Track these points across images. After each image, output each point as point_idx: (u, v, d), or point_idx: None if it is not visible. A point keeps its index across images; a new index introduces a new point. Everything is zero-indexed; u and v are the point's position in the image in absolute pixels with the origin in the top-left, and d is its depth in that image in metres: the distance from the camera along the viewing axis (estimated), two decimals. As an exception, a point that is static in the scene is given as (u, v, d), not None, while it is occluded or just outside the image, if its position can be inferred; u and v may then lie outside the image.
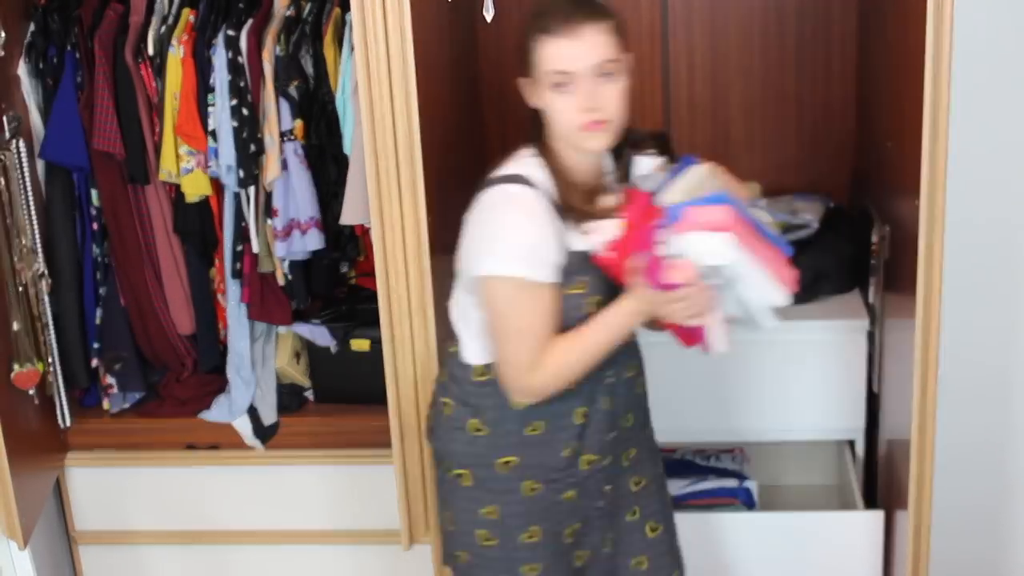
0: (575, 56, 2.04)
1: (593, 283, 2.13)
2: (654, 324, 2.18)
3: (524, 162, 2.14)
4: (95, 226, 2.89)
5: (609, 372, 2.22)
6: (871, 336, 2.79)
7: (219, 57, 2.70)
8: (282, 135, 2.74)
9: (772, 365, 2.81)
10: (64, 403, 2.93)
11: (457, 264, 2.20)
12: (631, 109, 3.21)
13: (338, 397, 2.99)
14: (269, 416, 2.96)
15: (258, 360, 2.97)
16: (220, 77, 2.71)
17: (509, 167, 2.14)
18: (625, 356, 2.25)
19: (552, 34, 2.06)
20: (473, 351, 2.22)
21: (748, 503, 2.89)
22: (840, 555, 2.69)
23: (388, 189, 2.40)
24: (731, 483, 2.91)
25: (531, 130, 2.17)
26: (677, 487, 2.85)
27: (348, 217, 2.69)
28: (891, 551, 2.66)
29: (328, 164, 2.79)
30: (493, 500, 2.23)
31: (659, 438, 2.93)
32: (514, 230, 2.08)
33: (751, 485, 2.90)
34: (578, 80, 2.06)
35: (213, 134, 2.74)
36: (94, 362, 2.96)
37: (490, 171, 2.16)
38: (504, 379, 2.14)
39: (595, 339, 2.12)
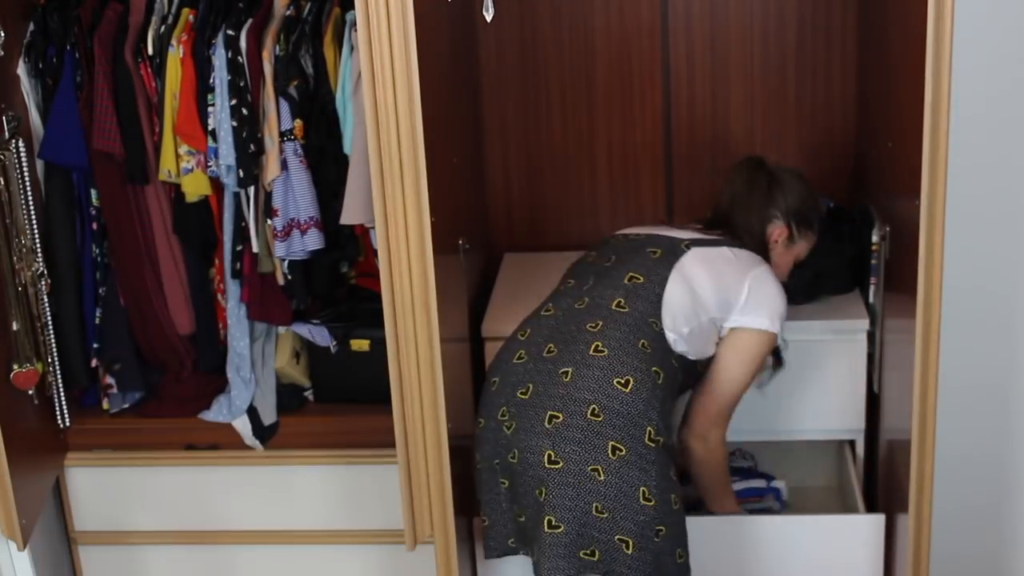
0: None
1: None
2: None
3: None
4: (94, 226, 2.88)
5: None
6: (871, 336, 2.79)
7: (219, 57, 2.70)
8: (282, 135, 2.73)
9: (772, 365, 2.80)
10: (63, 403, 2.92)
11: (688, 271, 2.48)
12: (632, 110, 3.23)
13: (338, 397, 2.99)
14: (269, 416, 2.96)
15: (258, 360, 2.96)
16: (220, 77, 2.71)
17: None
18: None
19: (816, 234, 2.73)
20: (675, 335, 2.48)
21: (780, 502, 2.92)
22: (841, 558, 2.69)
23: (392, 188, 2.40)
24: (759, 483, 2.94)
25: (744, 237, 2.62)
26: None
27: (348, 217, 2.69)
28: (892, 553, 2.66)
29: (328, 164, 2.78)
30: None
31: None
32: (783, 299, 2.53)
33: (780, 485, 2.94)
34: None
35: (213, 134, 2.74)
36: (93, 362, 2.96)
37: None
38: (701, 415, 2.53)
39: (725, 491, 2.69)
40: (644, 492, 2.31)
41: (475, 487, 2.55)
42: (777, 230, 2.64)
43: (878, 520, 2.67)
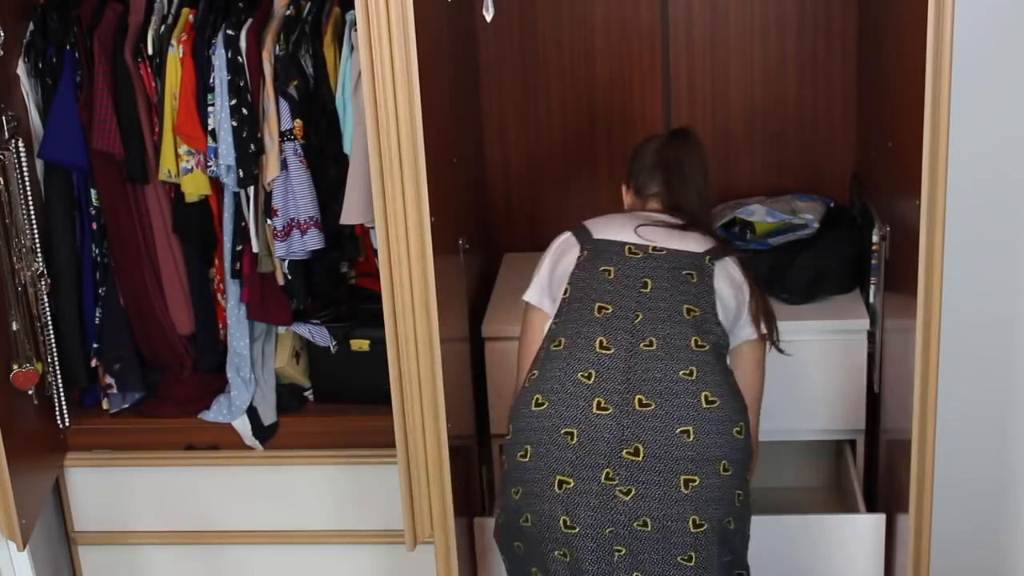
0: None
1: None
2: None
3: None
4: (94, 226, 2.88)
5: None
6: (871, 336, 2.79)
7: (219, 57, 2.70)
8: (282, 135, 2.73)
9: (772, 365, 2.80)
10: (63, 403, 2.92)
11: (720, 290, 2.41)
12: (632, 110, 3.22)
13: (338, 397, 2.99)
14: (269, 416, 2.96)
15: (258, 360, 2.96)
16: (220, 77, 2.71)
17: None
18: None
19: None
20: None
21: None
22: (841, 558, 2.69)
23: (392, 188, 2.40)
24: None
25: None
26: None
27: (348, 217, 2.69)
28: (892, 554, 2.66)
29: (328, 164, 2.78)
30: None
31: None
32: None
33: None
34: None
35: (212, 134, 2.74)
36: (93, 362, 2.96)
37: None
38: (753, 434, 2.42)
39: None
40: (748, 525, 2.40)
41: (539, 545, 2.29)
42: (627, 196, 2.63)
43: (878, 520, 2.67)
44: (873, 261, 2.75)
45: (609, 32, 3.15)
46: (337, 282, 2.98)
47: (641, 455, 2.23)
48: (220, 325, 2.95)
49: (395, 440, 2.57)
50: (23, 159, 2.72)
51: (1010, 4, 2.84)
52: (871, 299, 2.80)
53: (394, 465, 2.62)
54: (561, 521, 2.23)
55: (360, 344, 2.93)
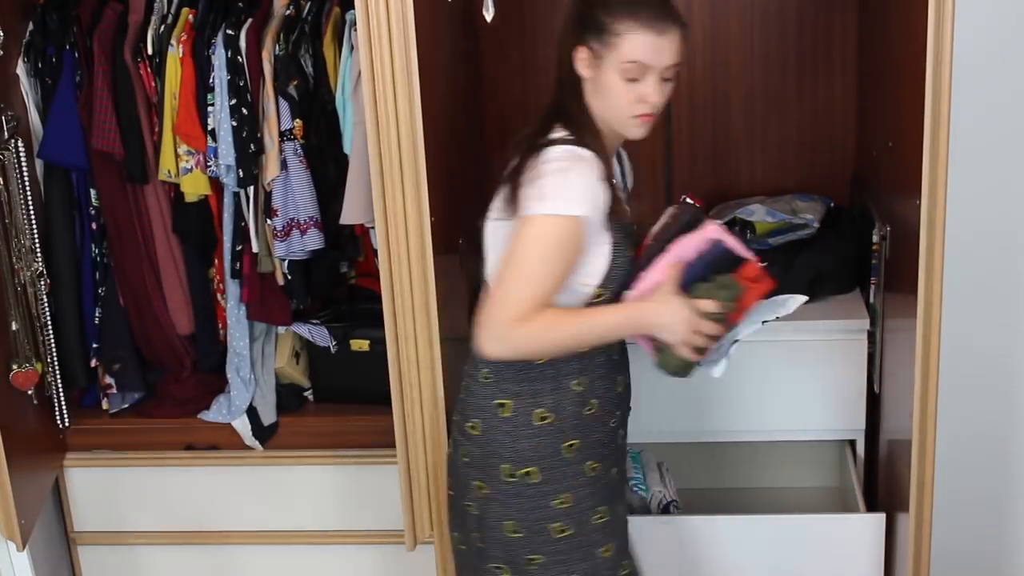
0: (658, 52, 2.11)
1: (612, 275, 2.15)
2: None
3: (564, 135, 2.16)
4: (94, 226, 2.88)
5: (615, 352, 2.28)
6: (871, 336, 2.79)
7: (218, 56, 2.70)
8: (281, 135, 2.73)
9: (772, 365, 2.80)
10: (63, 403, 2.92)
11: (495, 227, 2.18)
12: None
13: (338, 397, 2.99)
14: (268, 416, 2.96)
15: (257, 360, 2.96)
16: (219, 76, 2.70)
17: (558, 133, 2.15)
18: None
19: (642, 25, 2.10)
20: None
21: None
22: (841, 557, 2.69)
23: (392, 188, 2.40)
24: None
25: (562, 97, 2.20)
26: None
27: (348, 217, 2.69)
28: (892, 553, 2.66)
29: (328, 164, 2.78)
30: (564, 488, 2.22)
31: (659, 437, 2.93)
32: (581, 179, 2.09)
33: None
34: (650, 74, 2.13)
35: (212, 133, 2.74)
36: (93, 362, 2.96)
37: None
38: (486, 320, 2.08)
39: (591, 326, 2.12)
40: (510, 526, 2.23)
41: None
42: (577, 56, 2.16)
43: (878, 520, 2.67)
44: (873, 261, 2.75)
45: (609, 32, 3.14)
46: (337, 282, 2.98)
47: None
48: (220, 325, 2.95)
49: (395, 440, 2.57)
50: (23, 159, 2.71)
51: (1010, 4, 2.84)
52: (871, 299, 2.80)
53: (394, 465, 2.62)
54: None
55: (360, 344, 2.93)
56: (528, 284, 2.06)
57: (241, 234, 2.82)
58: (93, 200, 2.87)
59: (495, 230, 2.19)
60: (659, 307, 2.11)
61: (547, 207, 2.06)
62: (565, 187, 2.08)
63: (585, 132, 2.16)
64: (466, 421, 2.27)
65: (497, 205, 2.17)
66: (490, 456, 2.23)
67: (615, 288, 2.16)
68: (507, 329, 2.07)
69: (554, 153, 2.12)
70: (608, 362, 2.26)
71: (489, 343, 2.09)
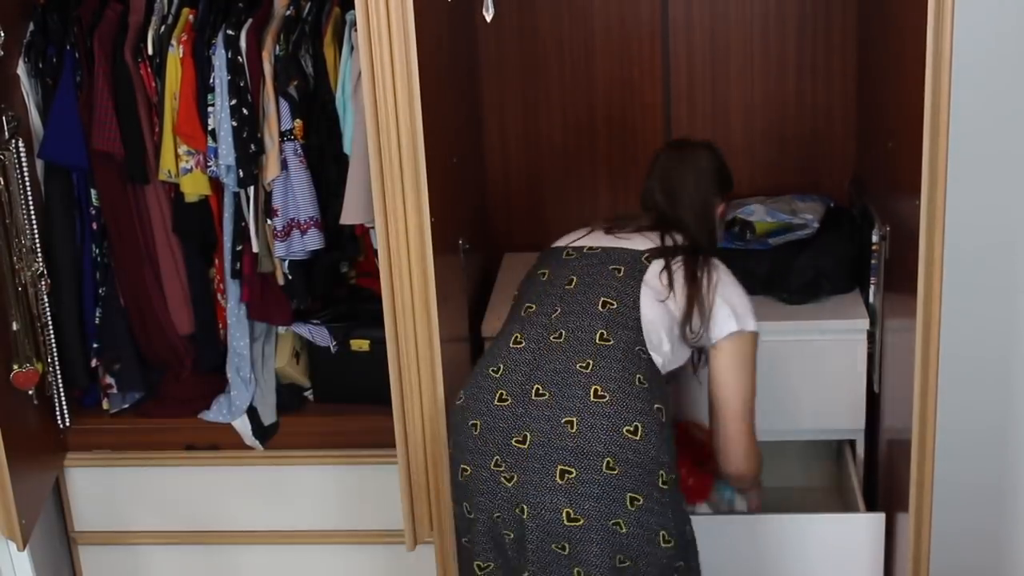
0: None
1: None
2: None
3: None
4: (94, 226, 2.88)
5: None
6: (871, 336, 2.79)
7: (219, 57, 2.70)
8: (282, 135, 2.73)
9: (772, 365, 2.80)
10: (63, 403, 2.92)
11: (652, 284, 2.39)
12: (632, 110, 3.22)
13: (338, 397, 2.99)
14: (269, 416, 2.96)
15: (258, 360, 2.96)
16: (220, 77, 2.71)
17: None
18: None
19: None
20: (661, 357, 2.36)
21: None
22: (841, 557, 2.69)
23: (392, 188, 2.40)
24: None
25: (711, 239, 2.54)
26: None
27: (348, 217, 2.69)
28: (892, 553, 2.66)
29: (328, 164, 2.78)
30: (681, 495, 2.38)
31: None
32: (746, 293, 2.46)
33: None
34: None
35: (212, 134, 2.74)
36: (93, 362, 2.96)
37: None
38: (733, 445, 2.47)
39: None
40: (664, 536, 2.24)
41: (459, 532, 2.40)
42: (720, 208, 2.57)
43: (878, 519, 2.67)
44: (873, 261, 2.75)
45: (609, 32, 3.15)
46: (337, 282, 2.98)
47: (527, 443, 2.24)
48: (220, 325, 2.95)
49: (395, 440, 2.57)
50: (23, 159, 2.72)
51: (1010, 4, 2.84)
52: (871, 299, 2.80)
53: (394, 465, 2.62)
54: (463, 507, 2.34)
55: (360, 344, 2.93)
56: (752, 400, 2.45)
57: (241, 234, 2.83)
58: (93, 200, 2.87)
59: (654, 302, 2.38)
60: None
61: (752, 325, 2.43)
62: (748, 302, 2.45)
63: None
64: (624, 424, 2.23)
65: (659, 281, 2.40)
66: (650, 463, 2.24)
67: None
68: (754, 447, 2.49)
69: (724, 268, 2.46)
70: None
71: (747, 463, 2.49)
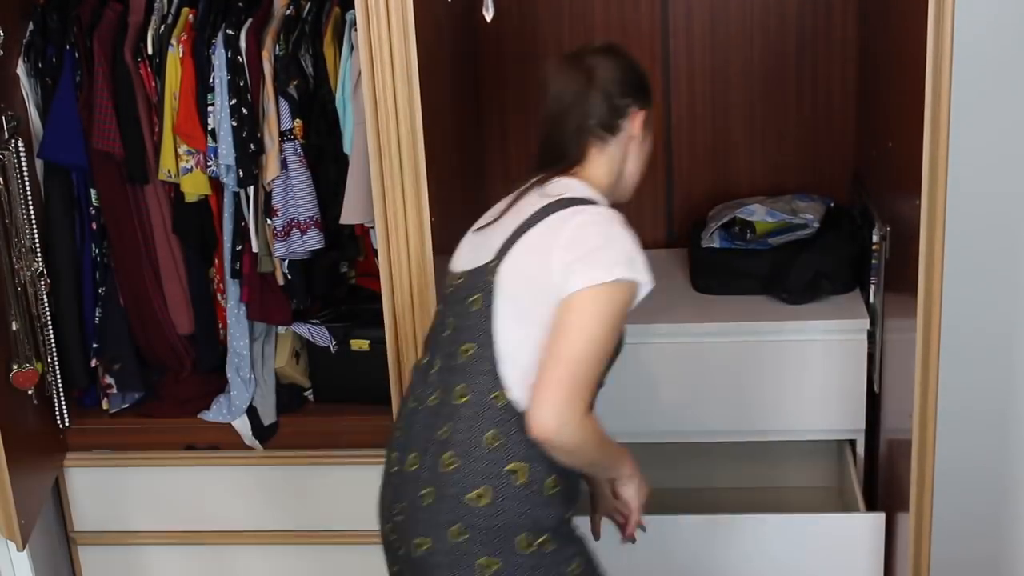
0: None
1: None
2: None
3: (588, 194, 2.13)
4: (94, 226, 2.88)
5: None
6: (871, 336, 2.79)
7: (218, 56, 2.70)
8: (281, 135, 2.73)
9: (772, 365, 2.80)
10: (63, 403, 2.92)
11: (510, 292, 2.05)
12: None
13: (338, 397, 2.99)
14: (268, 416, 2.96)
15: (258, 360, 2.96)
16: (219, 76, 2.71)
17: (577, 192, 2.11)
18: None
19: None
20: (526, 395, 2.01)
21: None
22: (841, 557, 2.69)
23: (392, 188, 2.40)
24: None
25: (569, 155, 2.16)
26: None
27: (348, 217, 2.69)
28: (892, 553, 2.66)
29: (328, 164, 2.78)
30: (574, 551, 2.10)
31: (660, 437, 2.93)
32: (625, 241, 2.04)
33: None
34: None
35: (212, 133, 2.74)
36: (93, 362, 2.96)
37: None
38: (544, 403, 1.95)
39: (617, 453, 2.17)
40: None
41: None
42: (637, 120, 2.17)
43: (878, 519, 2.67)
44: (873, 261, 2.75)
45: (609, 32, 3.15)
46: (337, 282, 2.98)
47: (404, 515, 2.11)
48: (220, 325, 2.95)
49: (395, 440, 2.57)
50: (23, 159, 2.72)
51: (1011, 4, 2.84)
52: (871, 299, 2.80)
53: (394, 465, 2.62)
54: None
55: (360, 344, 2.93)
56: (596, 363, 1.99)
57: (241, 234, 2.83)
58: (93, 200, 2.87)
59: (518, 273, 2.06)
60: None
61: (613, 273, 1.98)
62: (621, 250, 2.02)
63: (606, 191, 2.16)
64: (468, 491, 2.04)
65: (522, 250, 2.06)
66: (503, 528, 2.04)
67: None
68: (579, 416, 1.97)
69: (592, 214, 2.06)
70: None
71: (546, 427, 1.96)
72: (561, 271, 2.00)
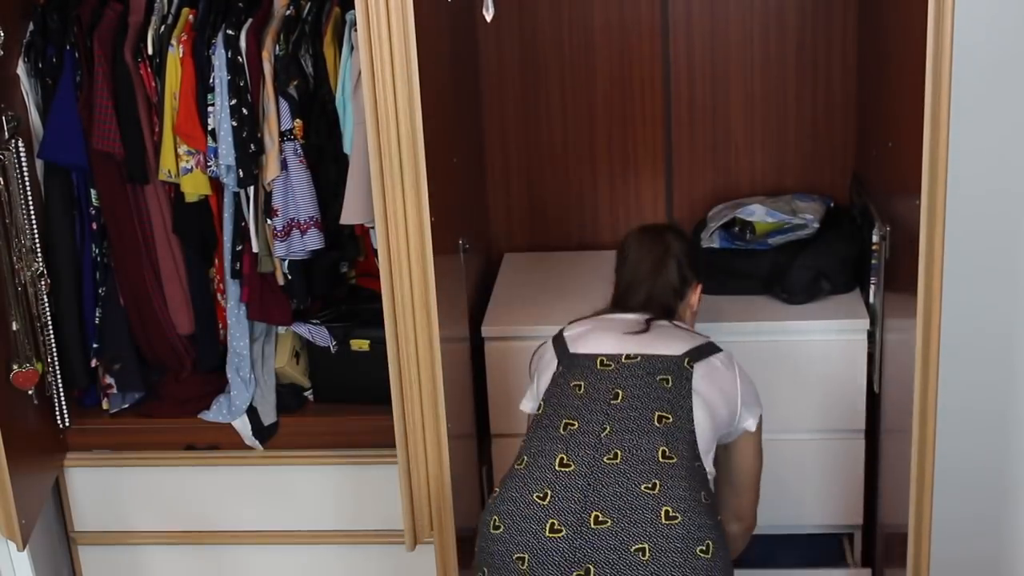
0: None
1: None
2: None
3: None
4: (94, 226, 2.88)
5: None
6: (871, 336, 2.79)
7: (218, 57, 2.70)
8: (282, 135, 2.73)
9: (772, 365, 2.80)
10: (63, 403, 2.92)
11: (702, 389, 2.34)
12: (632, 110, 3.23)
13: (338, 397, 2.99)
14: (269, 416, 2.96)
15: (258, 360, 2.96)
16: (219, 77, 2.71)
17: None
18: None
19: None
20: (708, 464, 2.33)
21: None
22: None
23: (392, 188, 2.40)
24: None
25: (672, 305, 2.51)
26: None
27: (348, 217, 2.69)
28: (892, 553, 2.66)
29: (328, 164, 2.78)
30: None
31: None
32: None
33: None
34: None
35: (212, 134, 2.74)
36: (93, 362, 2.96)
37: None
38: (748, 520, 2.52)
39: None
40: None
41: None
42: (697, 294, 2.56)
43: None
44: (873, 261, 2.75)
45: (609, 32, 3.15)
46: (337, 282, 2.98)
47: (605, 570, 2.11)
48: (220, 325, 2.95)
49: (395, 440, 2.57)
50: (23, 159, 2.72)
51: (1011, 4, 2.84)
52: (871, 299, 2.80)
53: (394, 465, 2.62)
54: None
55: (360, 344, 2.93)
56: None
57: (241, 234, 2.83)
58: (93, 200, 2.87)
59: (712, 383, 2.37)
60: None
61: (760, 409, 2.46)
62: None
63: None
64: (699, 544, 2.14)
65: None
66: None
67: None
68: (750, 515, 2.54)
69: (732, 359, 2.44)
70: None
71: (754, 520, 2.53)
72: (740, 411, 2.41)
